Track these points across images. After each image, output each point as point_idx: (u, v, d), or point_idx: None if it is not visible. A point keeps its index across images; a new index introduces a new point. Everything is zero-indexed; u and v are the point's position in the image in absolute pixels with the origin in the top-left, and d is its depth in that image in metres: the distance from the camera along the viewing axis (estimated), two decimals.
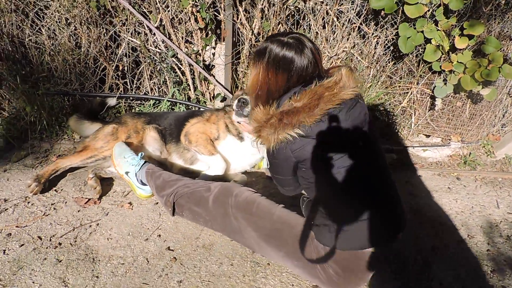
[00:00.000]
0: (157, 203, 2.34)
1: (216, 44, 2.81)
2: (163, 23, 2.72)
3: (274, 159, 1.65)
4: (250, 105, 2.13)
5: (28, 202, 2.25)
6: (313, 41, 1.64)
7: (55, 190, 2.39)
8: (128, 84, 3.05)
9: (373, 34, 2.89)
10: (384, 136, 3.07)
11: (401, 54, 2.93)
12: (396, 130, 3.11)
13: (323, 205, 1.61)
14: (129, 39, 2.81)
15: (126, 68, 2.95)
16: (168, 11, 2.65)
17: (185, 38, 2.77)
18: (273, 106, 1.57)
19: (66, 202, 2.30)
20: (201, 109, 2.93)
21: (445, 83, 2.89)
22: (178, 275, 1.83)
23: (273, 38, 1.63)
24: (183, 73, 2.96)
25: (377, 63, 2.98)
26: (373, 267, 1.63)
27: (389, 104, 3.08)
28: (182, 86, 2.98)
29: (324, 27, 2.85)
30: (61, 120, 2.94)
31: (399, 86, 3.03)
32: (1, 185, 2.39)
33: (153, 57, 2.86)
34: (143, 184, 2.29)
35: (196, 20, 2.67)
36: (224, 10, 2.63)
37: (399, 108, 3.09)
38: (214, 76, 2.92)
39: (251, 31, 2.76)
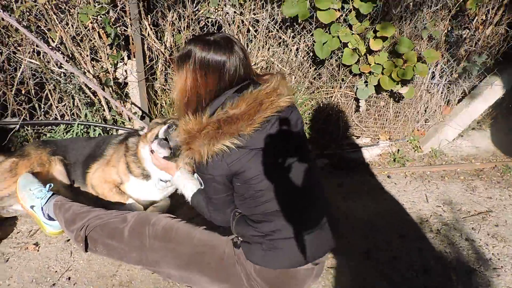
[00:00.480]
0: (68, 240, 2.09)
1: (128, 60, 2.62)
2: (63, 42, 2.49)
3: (208, 174, 1.45)
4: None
5: None
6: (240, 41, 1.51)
7: None
8: (36, 109, 2.75)
9: (292, 41, 2.86)
10: (314, 141, 3.04)
11: (322, 59, 2.93)
12: (325, 135, 3.08)
13: (257, 221, 1.47)
14: (28, 61, 2.54)
15: (30, 92, 2.66)
16: (69, 28, 2.43)
17: (91, 56, 2.55)
18: (206, 113, 1.39)
19: None
20: (120, 131, 2.71)
21: (366, 85, 2.92)
22: None
23: (198, 39, 1.47)
24: (94, 93, 2.73)
25: (299, 70, 2.94)
26: (305, 282, 1.55)
27: (315, 110, 3.06)
28: (95, 108, 2.75)
29: (239, 37, 2.78)
30: None
31: (323, 91, 3.03)
32: None
33: (57, 79, 2.60)
34: (51, 219, 2.03)
35: (100, 36, 2.47)
36: (131, 25, 2.46)
37: (326, 113, 3.08)
38: (128, 95, 2.72)
39: (163, 45, 2.61)
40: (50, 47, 2.45)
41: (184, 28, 2.56)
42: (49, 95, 2.70)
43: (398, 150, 3.19)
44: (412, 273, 1.95)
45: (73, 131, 2.72)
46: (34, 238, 2.11)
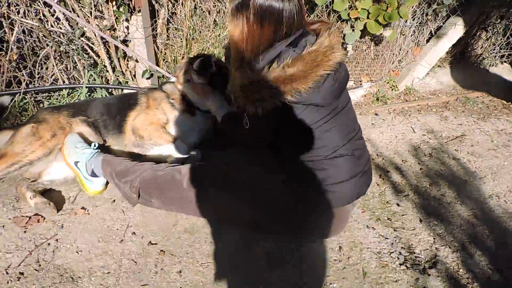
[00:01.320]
0: (113, 201, 2.14)
1: (130, 17, 2.53)
2: None
3: (255, 121, 1.58)
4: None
5: None
6: None
7: None
8: (30, 75, 2.58)
9: None
10: None
11: (313, 6, 3.07)
12: None
13: (312, 166, 1.66)
14: (22, 21, 2.34)
15: (25, 56, 2.48)
16: None
17: (94, 14, 2.42)
18: (260, 67, 1.46)
19: (3, 227, 1.94)
20: (126, 91, 2.67)
21: (353, 30, 3.15)
22: (174, 266, 1.75)
23: None
24: (96, 54, 2.62)
25: None
26: (349, 212, 1.88)
27: None
28: (98, 69, 2.65)
29: None
30: None
31: None
32: None
33: (58, 40, 2.45)
34: (93, 175, 2.07)
35: None
36: None
37: None
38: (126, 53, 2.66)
39: None
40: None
41: None
42: (47, 60, 2.54)
43: (378, 89, 3.55)
44: (423, 187, 2.36)
45: (77, 95, 2.63)
46: (77, 203, 2.11)
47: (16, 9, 2.31)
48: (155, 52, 2.70)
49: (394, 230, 2.01)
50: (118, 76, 2.71)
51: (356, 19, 3.09)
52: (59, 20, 2.42)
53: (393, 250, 1.89)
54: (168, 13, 2.63)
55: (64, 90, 2.61)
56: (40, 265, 1.73)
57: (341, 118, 1.65)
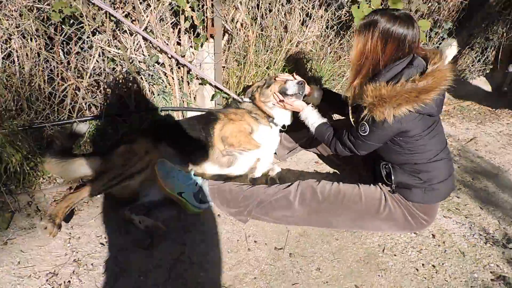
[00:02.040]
0: (219, 215, 2.27)
1: (202, 44, 2.70)
2: (146, 27, 2.46)
3: (379, 129, 1.85)
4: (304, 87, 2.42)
5: (83, 267, 1.85)
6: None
7: (101, 243, 2.01)
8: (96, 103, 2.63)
9: (321, 16, 3.30)
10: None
11: (343, 33, 3.46)
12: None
13: (418, 171, 1.98)
14: (104, 49, 2.42)
15: (101, 84, 2.54)
16: (157, 11, 2.41)
17: (174, 41, 2.57)
18: (386, 82, 1.76)
19: (127, 249, 1.99)
20: (194, 113, 2.82)
21: None
22: (310, 265, 1.95)
23: (384, 11, 1.79)
24: (167, 79, 2.75)
25: (329, 44, 3.43)
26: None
27: (338, 75, 3.62)
28: (169, 93, 2.77)
29: (285, 15, 3.10)
30: (31, 162, 2.34)
31: (344, 59, 3.59)
32: (26, 259, 1.85)
33: (139, 66, 2.55)
34: (202, 202, 2.20)
35: (186, 19, 2.50)
36: (212, 6, 2.56)
37: (344, 78, 3.67)
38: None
39: (235, 26, 2.77)
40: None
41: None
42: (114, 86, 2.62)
43: None
44: (468, 181, 2.78)
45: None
46: (185, 220, 2.22)
47: (100, 38, 2.40)
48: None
49: (465, 217, 2.39)
50: (184, 99, 2.84)
51: None
52: (140, 47, 2.52)
53: (474, 233, 2.25)
54: (233, 40, 2.85)
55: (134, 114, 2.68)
56: (186, 280, 1.83)
57: (439, 126, 2.00)
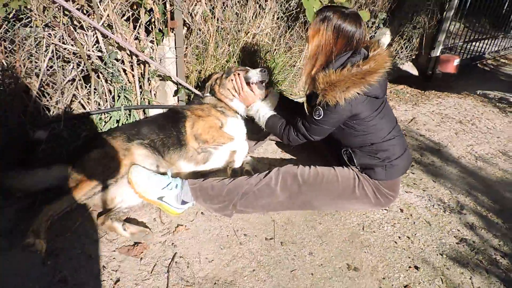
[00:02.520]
0: (202, 213, 2.23)
1: (163, 39, 2.58)
2: (104, 21, 2.28)
3: (332, 113, 2.00)
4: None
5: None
6: None
7: (89, 255, 1.86)
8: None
9: (270, 8, 3.35)
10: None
11: (292, 24, 3.55)
12: (292, 84, 3.82)
13: (375, 151, 2.15)
14: (58, 46, 2.20)
15: (58, 82, 2.31)
16: (115, 4, 2.24)
17: (135, 35, 2.42)
18: (335, 69, 1.93)
19: (114, 259, 1.87)
20: (157, 110, 2.70)
21: None
22: (302, 250, 2.02)
23: (335, 8, 1.96)
24: (127, 76, 2.58)
25: (280, 36, 3.49)
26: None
27: (290, 65, 3.72)
28: (129, 91, 2.61)
29: (241, 7, 3.10)
30: None
31: (295, 50, 3.69)
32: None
33: (98, 64, 2.36)
34: (183, 203, 2.14)
35: (146, 12, 2.37)
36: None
37: (295, 68, 3.79)
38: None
39: (194, 19, 2.69)
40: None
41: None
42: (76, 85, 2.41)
43: None
44: (418, 158, 3.08)
45: (109, 120, 2.55)
46: (170, 222, 2.15)
47: (54, 34, 2.18)
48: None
49: (423, 190, 2.66)
50: (146, 96, 2.71)
51: None
52: (98, 43, 2.34)
53: (433, 204, 2.52)
54: (192, 33, 2.77)
55: (93, 115, 2.50)
56: (187, 281, 1.79)
57: (387, 107, 2.20)
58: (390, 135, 2.15)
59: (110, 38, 2.29)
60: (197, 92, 2.79)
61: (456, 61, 4.77)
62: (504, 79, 5.89)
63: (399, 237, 2.18)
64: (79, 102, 2.50)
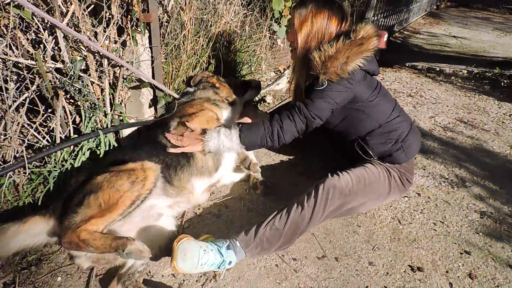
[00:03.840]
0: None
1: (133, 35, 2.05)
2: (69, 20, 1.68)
3: (336, 85, 1.86)
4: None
5: None
6: None
7: None
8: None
9: None
10: None
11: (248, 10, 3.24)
12: (254, 74, 3.54)
13: (386, 133, 2.05)
14: (13, 60, 1.56)
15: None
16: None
17: (106, 35, 1.85)
18: (340, 40, 1.80)
19: None
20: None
21: (280, 26, 3.53)
22: (360, 262, 1.84)
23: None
24: (97, 90, 2.00)
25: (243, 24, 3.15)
26: None
27: (249, 55, 3.41)
28: (97, 109, 2.03)
29: None
30: None
31: (257, 37, 3.39)
32: None
33: (60, 79, 1.75)
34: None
35: (122, 5, 1.83)
36: None
37: (256, 57, 3.49)
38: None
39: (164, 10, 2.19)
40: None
41: None
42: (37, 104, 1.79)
43: None
44: None
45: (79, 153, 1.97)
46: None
47: None
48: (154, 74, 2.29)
49: (423, 169, 2.69)
50: (121, 112, 2.16)
51: (281, 16, 3.47)
52: (60, 51, 1.74)
53: (439, 182, 2.56)
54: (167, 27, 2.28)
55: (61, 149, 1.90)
56: None
57: (383, 87, 2.14)
58: (394, 112, 2.09)
59: (78, 42, 1.71)
60: (177, 96, 2.33)
61: (386, 36, 5.00)
62: (416, 50, 6.46)
63: (434, 223, 2.15)
64: (29, 135, 1.85)
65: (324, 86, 1.87)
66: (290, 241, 1.76)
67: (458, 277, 1.80)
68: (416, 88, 4.40)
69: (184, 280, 1.67)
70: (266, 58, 3.66)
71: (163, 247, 1.76)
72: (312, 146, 2.63)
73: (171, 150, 1.91)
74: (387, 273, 1.79)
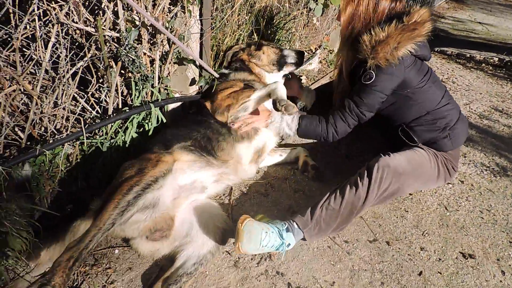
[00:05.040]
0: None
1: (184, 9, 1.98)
2: None
3: (385, 74, 1.82)
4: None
5: None
6: None
7: None
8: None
9: None
10: None
11: None
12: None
13: (432, 122, 1.98)
14: (65, 26, 1.51)
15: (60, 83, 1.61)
16: None
17: (162, 5, 1.79)
18: (392, 24, 1.75)
19: None
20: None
21: (317, 4, 3.42)
22: (411, 247, 1.83)
23: None
24: (149, 61, 1.96)
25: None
26: None
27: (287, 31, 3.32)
28: (147, 81, 1.98)
29: None
30: None
31: (294, 14, 3.30)
32: None
33: (116, 49, 1.70)
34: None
35: None
36: None
37: (292, 34, 3.41)
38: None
39: None
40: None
41: None
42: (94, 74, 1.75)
43: (328, 55, 4.01)
44: None
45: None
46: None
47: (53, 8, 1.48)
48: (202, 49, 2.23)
49: (464, 157, 2.64)
50: (166, 84, 2.12)
51: None
52: (117, 19, 1.69)
53: (481, 169, 2.52)
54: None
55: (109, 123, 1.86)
56: None
57: (434, 73, 2.08)
58: (444, 99, 2.02)
59: (134, 12, 1.66)
60: (216, 75, 2.26)
61: None
62: (443, 34, 6.30)
63: (481, 211, 2.12)
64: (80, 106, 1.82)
65: (372, 80, 1.85)
66: (347, 221, 1.74)
67: (510, 265, 1.79)
68: (447, 74, 4.30)
69: (239, 258, 1.67)
70: (301, 36, 3.57)
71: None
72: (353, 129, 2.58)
73: (236, 125, 1.95)
74: (440, 259, 1.78)
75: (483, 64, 4.75)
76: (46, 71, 1.57)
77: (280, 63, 2.34)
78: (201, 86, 2.27)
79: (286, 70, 2.41)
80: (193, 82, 2.25)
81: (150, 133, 2.01)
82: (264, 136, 2.08)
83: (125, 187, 1.45)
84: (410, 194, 2.18)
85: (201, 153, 1.82)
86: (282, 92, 1.90)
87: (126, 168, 1.59)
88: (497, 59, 4.81)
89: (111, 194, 1.45)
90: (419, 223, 1.99)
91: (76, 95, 1.81)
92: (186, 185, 1.75)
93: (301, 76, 3.46)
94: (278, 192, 2.10)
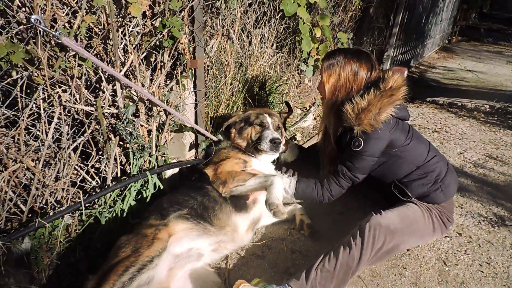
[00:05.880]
0: None
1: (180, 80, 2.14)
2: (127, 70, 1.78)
3: (372, 139, 1.93)
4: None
5: None
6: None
7: None
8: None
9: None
10: None
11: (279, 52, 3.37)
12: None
13: (423, 177, 2.06)
14: (71, 106, 1.65)
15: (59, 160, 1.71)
16: (141, 50, 1.77)
17: (158, 81, 1.94)
18: (371, 92, 1.90)
19: None
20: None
21: (307, 66, 3.64)
22: None
23: (341, 49, 2.10)
24: (145, 133, 2.08)
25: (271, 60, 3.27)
26: None
27: (280, 93, 3.50)
28: (145, 151, 2.09)
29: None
30: None
31: (286, 77, 3.50)
32: None
33: (114, 123, 1.83)
34: None
35: (171, 54, 1.93)
36: (192, 34, 2.06)
37: (284, 95, 3.59)
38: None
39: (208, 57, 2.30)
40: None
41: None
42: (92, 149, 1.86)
43: (317, 112, 4.17)
44: None
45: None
46: None
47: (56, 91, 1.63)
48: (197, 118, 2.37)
49: (460, 208, 2.66)
50: (164, 154, 2.22)
51: (309, 56, 3.59)
52: (115, 97, 1.83)
53: (478, 220, 2.52)
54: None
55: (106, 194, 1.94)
56: None
57: (416, 131, 2.18)
58: (430, 153, 2.12)
59: (131, 90, 1.80)
60: (215, 139, 2.37)
61: (406, 72, 5.10)
62: (434, 84, 6.53)
63: (480, 265, 2.11)
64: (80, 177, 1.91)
65: (361, 146, 1.96)
66: (343, 282, 1.74)
67: None
68: (440, 123, 4.42)
69: None
70: (294, 96, 3.75)
71: None
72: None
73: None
74: None
75: (475, 112, 4.88)
76: (49, 146, 1.68)
77: (256, 147, 2.26)
78: (196, 152, 2.38)
79: (265, 156, 2.30)
80: (191, 147, 2.37)
81: (148, 199, 2.07)
82: (261, 207, 2.11)
83: (120, 268, 1.49)
84: (408, 250, 2.18)
85: (198, 220, 1.87)
86: (277, 192, 1.89)
87: (122, 245, 1.62)
88: (488, 106, 4.95)
89: (106, 274, 1.47)
90: (417, 280, 1.97)
91: (76, 167, 1.91)
92: (183, 253, 1.77)
93: (295, 134, 3.58)
94: (275, 253, 2.12)
